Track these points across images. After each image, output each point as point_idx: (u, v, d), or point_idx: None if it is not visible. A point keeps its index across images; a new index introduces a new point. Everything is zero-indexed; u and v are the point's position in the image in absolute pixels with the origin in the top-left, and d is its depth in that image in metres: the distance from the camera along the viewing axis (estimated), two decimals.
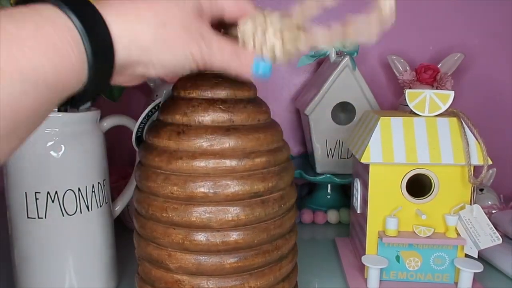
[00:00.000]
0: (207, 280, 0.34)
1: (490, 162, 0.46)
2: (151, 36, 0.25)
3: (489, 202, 0.66)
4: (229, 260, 0.34)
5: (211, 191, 0.33)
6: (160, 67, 0.26)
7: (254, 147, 0.34)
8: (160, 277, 0.35)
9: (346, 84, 0.68)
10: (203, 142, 0.33)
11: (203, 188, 0.33)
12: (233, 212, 0.33)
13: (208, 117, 0.34)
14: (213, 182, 0.33)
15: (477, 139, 0.47)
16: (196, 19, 0.27)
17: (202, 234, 0.33)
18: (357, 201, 0.53)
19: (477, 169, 0.47)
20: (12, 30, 0.19)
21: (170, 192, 0.33)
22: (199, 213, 0.33)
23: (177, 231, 0.34)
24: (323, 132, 0.70)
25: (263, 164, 0.35)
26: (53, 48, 0.20)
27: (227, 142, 0.33)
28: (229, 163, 0.33)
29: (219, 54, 0.28)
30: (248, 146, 0.34)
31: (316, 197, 0.76)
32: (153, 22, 0.25)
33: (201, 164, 0.33)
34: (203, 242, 0.33)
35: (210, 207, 0.33)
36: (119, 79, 0.27)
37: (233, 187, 0.33)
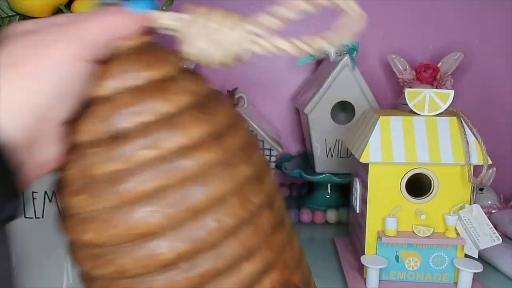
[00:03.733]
0: None
1: (490, 162, 0.46)
2: None
3: (489, 202, 0.66)
4: None
5: None
6: None
7: None
8: None
9: (345, 83, 0.67)
10: None
11: None
12: None
13: None
14: None
15: (477, 139, 0.47)
16: None
17: None
18: (356, 201, 0.53)
19: (477, 169, 0.46)
20: None
21: None
22: None
23: None
24: (323, 132, 0.70)
25: None
26: None
27: None
28: None
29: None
30: None
31: (315, 196, 0.76)
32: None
33: None
34: None
35: None
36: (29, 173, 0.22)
37: None
